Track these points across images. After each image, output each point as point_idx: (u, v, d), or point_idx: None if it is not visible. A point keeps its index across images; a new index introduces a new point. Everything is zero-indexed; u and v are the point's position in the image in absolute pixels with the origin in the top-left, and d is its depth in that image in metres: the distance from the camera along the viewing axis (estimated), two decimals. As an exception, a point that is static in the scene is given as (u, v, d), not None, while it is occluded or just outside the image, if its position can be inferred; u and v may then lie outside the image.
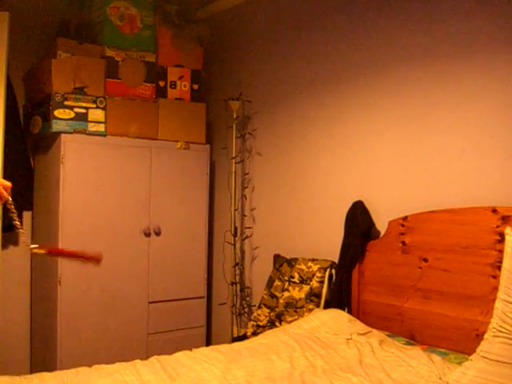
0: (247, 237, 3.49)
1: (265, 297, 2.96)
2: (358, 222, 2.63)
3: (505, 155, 2.16)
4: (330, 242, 2.84)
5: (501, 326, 1.80)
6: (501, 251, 1.99)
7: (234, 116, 3.39)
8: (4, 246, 3.15)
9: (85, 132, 3.05)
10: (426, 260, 2.35)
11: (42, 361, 3.19)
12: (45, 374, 1.88)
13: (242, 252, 3.54)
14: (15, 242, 3.32)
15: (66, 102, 2.98)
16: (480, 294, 2.11)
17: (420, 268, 2.37)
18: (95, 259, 2.01)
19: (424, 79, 2.48)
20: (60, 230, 2.99)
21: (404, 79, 2.57)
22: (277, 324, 2.77)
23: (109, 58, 3.15)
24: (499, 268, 1.96)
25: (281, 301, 2.84)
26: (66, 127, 2.99)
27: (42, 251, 1.92)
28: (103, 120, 3.10)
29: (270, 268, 3.09)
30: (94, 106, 3.07)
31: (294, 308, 2.75)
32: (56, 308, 2.98)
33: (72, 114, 3.00)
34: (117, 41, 3.20)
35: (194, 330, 3.45)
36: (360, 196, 2.70)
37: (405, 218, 2.45)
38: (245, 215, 3.52)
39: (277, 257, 3.09)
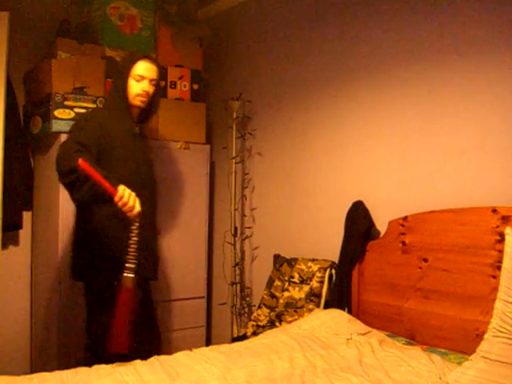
0: (247, 237, 3.49)
1: (265, 297, 2.96)
2: (358, 222, 2.63)
3: (505, 155, 2.16)
4: (330, 242, 2.84)
5: (501, 326, 1.80)
6: (501, 251, 1.99)
7: (234, 116, 3.39)
8: (4, 246, 3.15)
9: (85, 132, 3.05)
10: (426, 260, 2.35)
11: (42, 361, 3.19)
12: (45, 374, 1.88)
13: (242, 252, 3.54)
14: (15, 242, 3.32)
15: (65, 102, 2.98)
16: (480, 294, 2.11)
17: (420, 268, 2.37)
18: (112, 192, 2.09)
19: (424, 79, 2.47)
20: (60, 229, 2.99)
21: (404, 79, 2.57)
22: (277, 324, 2.77)
23: (109, 58, 3.15)
24: (499, 268, 1.96)
25: (281, 301, 2.84)
26: (66, 127, 2.98)
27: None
28: (103, 120, 3.10)
29: (270, 268, 3.09)
30: (94, 106, 3.07)
31: (294, 308, 2.75)
32: (56, 308, 2.98)
33: (72, 114, 3.00)
34: (117, 41, 3.20)
35: (194, 330, 3.45)
36: (360, 196, 2.70)
37: (405, 218, 2.45)
38: (245, 215, 3.52)
39: (277, 257, 3.09)
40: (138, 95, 2.57)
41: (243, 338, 2.80)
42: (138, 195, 2.19)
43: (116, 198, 2.10)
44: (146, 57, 2.61)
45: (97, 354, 2.39)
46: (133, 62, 2.58)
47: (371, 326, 2.42)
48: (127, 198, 2.11)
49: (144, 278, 2.59)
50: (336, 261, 2.73)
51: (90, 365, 2.08)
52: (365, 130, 2.76)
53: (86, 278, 2.53)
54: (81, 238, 2.52)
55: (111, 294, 2.29)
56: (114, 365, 1.99)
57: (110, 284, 2.36)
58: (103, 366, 1.97)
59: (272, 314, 2.85)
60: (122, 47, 3.20)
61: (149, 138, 2.91)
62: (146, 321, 2.62)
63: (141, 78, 2.56)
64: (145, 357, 2.09)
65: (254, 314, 2.97)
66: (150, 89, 2.60)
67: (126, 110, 2.58)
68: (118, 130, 2.51)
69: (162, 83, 3.36)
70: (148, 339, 2.63)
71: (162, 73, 3.36)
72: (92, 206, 2.45)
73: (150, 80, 2.59)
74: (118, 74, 2.63)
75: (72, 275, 2.60)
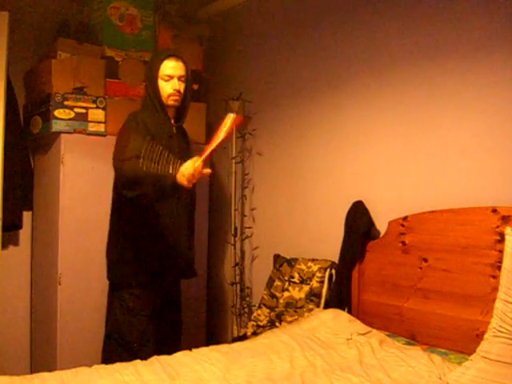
0: (247, 237, 3.49)
1: (265, 297, 2.96)
2: (358, 222, 2.63)
3: (505, 155, 2.16)
4: (329, 242, 2.84)
5: (501, 326, 1.80)
6: (501, 251, 1.99)
7: (234, 116, 3.39)
8: (4, 246, 3.15)
9: (85, 132, 3.05)
10: (425, 260, 2.35)
11: (42, 361, 3.19)
12: (45, 374, 1.88)
13: (242, 252, 3.53)
14: (15, 242, 3.32)
15: (65, 102, 2.98)
16: (480, 294, 2.11)
17: (420, 268, 2.36)
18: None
19: (424, 79, 2.47)
20: (60, 230, 2.99)
21: (404, 79, 2.57)
22: (277, 324, 2.77)
23: (109, 58, 3.14)
24: (499, 268, 1.96)
25: (281, 301, 2.84)
26: (65, 127, 2.99)
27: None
28: (103, 120, 3.10)
29: (270, 268, 3.09)
30: (94, 106, 3.07)
31: (294, 308, 2.75)
32: (56, 308, 2.98)
33: (72, 114, 3.00)
34: (117, 41, 3.20)
35: (194, 330, 3.45)
36: (360, 196, 2.70)
37: (405, 218, 2.45)
38: (245, 215, 3.52)
39: (277, 257, 3.09)
40: (170, 95, 2.57)
41: (243, 338, 2.80)
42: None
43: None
44: (170, 55, 2.60)
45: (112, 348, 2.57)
46: (159, 62, 2.57)
47: (371, 326, 2.42)
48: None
49: (179, 278, 2.77)
50: (336, 261, 2.73)
51: (106, 355, 2.29)
52: (365, 129, 2.76)
53: (127, 279, 2.58)
54: (132, 239, 2.57)
55: (149, 299, 2.54)
56: (114, 365, 1.99)
57: (154, 288, 2.58)
58: (103, 366, 1.98)
59: (272, 313, 2.85)
60: (122, 47, 3.20)
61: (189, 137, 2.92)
62: (172, 318, 2.76)
63: (169, 78, 2.55)
64: (166, 351, 2.19)
65: (254, 314, 2.97)
66: (181, 86, 2.59)
67: (162, 111, 2.59)
68: (159, 131, 2.55)
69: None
70: (172, 336, 2.75)
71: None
72: (153, 209, 2.56)
73: (179, 77, 2.58)
74: (148, 77, 2.62)
75: (111, 276, 2.67)
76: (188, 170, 2.19)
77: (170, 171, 2.23)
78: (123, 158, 2.36)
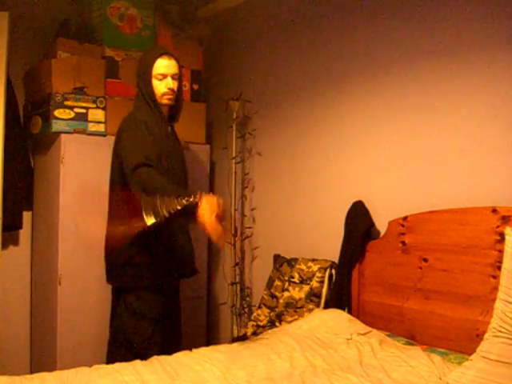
0: (247, 237, 3.49)
1: (265, 297, 2.96)
2: (358, 222, 2.63)
3: (505, 155, 2.16)
4: (330, 242, 2.84)
5: (501, 326, 1.80)
6: (501, 251, 1.99)
7: (234, 116, 3.39)
8: (4, 246, 3.15)
9: (85, 132, 3.05)
10: (426, 260, 2.35)
11: (42, 361, 3.19)
12: (45, 374, 1.88)
13: (242, 252, 3.53)
14: (15, 242, 3.32)
15: (65, 102, 2.98)
16: (480, 294, 2.11)
17: (420, 268, 2.36)
18: None
19: (424, 79, 2.48)
20: (60, 230, 2.99)
21: (404, 79, 2.57)
22: (277, 324, 2.77)
23: (109, 57, 3.15)
24: (499, 268, 1.96)
25: (281, 301, 2.84)
26: (65, 127, 2.99)
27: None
28: (103, 120, 3.10)
29: (270, 268, 3.09)
30: (94, 106, 3.07)
31: (294, 308, 2.75)
32: (56, 308, 2.98)
33: (72, 114, 3.00)
34: (117, 41, 3.20)
35: (194, 330, 3.45)
36: (360, 196, 2.70)
37: (405, 218, 2.45)
38: (245, 215, 3.52)
39: (277, 257, 3.09)
40: (164, 94, 2.55)
41: (243, 338, 2.80)
42: None
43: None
44: (163, 53, 2.58)
45: (116, 350, 2.55)
46: (152, 61, 2.55)
47: (371, 326, 2.42)
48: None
49: (182, 278, 2.78)
50: (336, 261, 2.73)
51: (110, 358, 2.25)
52: (365, 129, 2.76)
53: (135, 282, 2.56)
54: (139, 242, 2.54)
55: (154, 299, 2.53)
56: (114, 365, 1.99)
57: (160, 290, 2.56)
58: (103, 366, 1.98)
59: (272, 313, 2.85)
60: (122, 47, 3.20)
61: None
62: (173, 319, 2.74)
63: (163, 77, 2.53)
64: (168, 351, 2.19)
65: (254, 314, 2.97)
66: (175, 84, 2.57)
67: (157, 110, 2.58)
68: (157, 130, 2.53)
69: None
70: (174, 336, 2.73)
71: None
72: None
73: (172, 76, 2.56)
74: (140, 77, 2.59)
75: (117, 280, 2.63)
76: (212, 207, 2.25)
77: (191, 199, 2.21)
78: (137, 164, 2.32)
